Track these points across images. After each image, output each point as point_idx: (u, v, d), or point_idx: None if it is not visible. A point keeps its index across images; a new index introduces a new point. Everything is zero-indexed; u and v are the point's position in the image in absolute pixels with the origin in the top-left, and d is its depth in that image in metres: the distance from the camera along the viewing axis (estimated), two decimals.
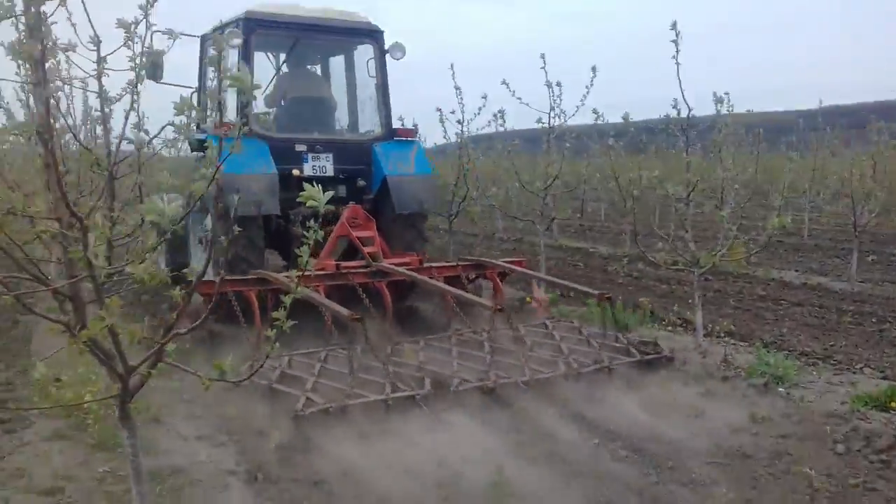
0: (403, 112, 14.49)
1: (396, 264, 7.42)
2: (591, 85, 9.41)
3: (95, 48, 4.98)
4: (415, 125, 10.60)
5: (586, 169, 13.79)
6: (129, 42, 4.82)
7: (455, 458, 4.61)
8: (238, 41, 7.51)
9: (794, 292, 10.40)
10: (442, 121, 11.40)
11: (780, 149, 15.50)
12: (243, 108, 2.42)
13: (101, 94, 5.06)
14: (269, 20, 8.13)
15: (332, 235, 7.59)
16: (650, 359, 6.60)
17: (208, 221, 7.86)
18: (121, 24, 4.76)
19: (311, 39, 8.83)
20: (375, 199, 8.52)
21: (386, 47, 8.56)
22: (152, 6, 2.80)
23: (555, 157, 9.53)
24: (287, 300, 2.54)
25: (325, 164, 8.27)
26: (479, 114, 10.93)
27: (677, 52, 6.88)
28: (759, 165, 11.60)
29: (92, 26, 4.89)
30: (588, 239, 17.13)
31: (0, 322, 8.52)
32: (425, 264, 7.76)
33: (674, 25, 6.78)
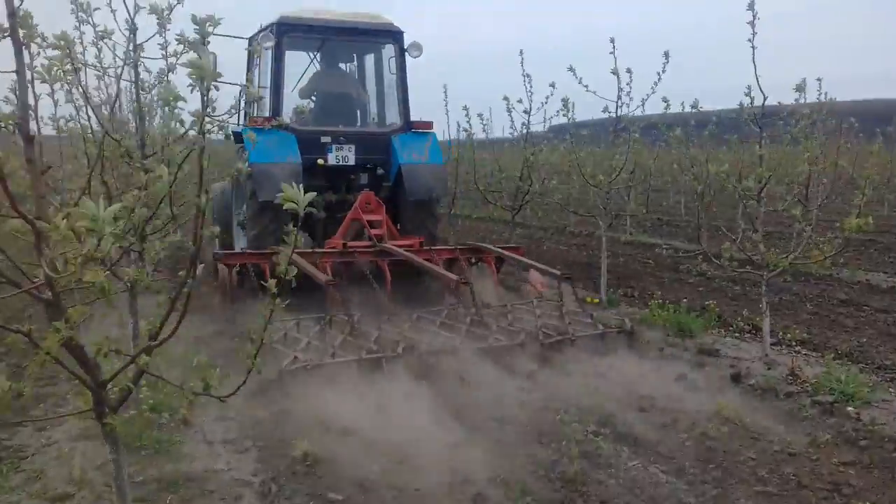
0: (474, 100, 14.17)
1: (399, 246, 7.93)
2: (664, 71, 8.90)
3: (131, 35, 4.98)
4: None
5: (654, 161, 13.09)
6: (162, 30, 4.77)
7: (398, 409, 5.20)
8: (270, 43, 8.36)
9: (879, 297, 9.58)
10: (509, 110, 11.08)
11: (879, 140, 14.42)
12: (208, 99, 2.27)
13: (138, 82, 5.05)
14: (298, 24, 8.82)
15: (346, 218, 8.34)
16: (607, 332, 7.06)
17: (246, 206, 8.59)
18: (153, 9, 4.69)
19: (338, 41, 9.46)
20: (394, 185, 9.09)
21: (414, 45, 9.07)
22: None
23: (620, 149, 9.02)
24: (280, 270, 2.49)
25: (347, 154, 8.82)
26: (546, 103, 10.53)
27: (753, 34, 6.39)
28: (852, 158, 10.78)
29: (128, 12, 4.86)
30: (664, 234, 16.41)
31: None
32: (427, 247, 8.30)
33: (751, 5, 6.28)
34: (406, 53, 9.13)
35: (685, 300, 9.03)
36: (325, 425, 5.05)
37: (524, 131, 11.01)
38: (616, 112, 8.91)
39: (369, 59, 10.02)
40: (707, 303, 8.61)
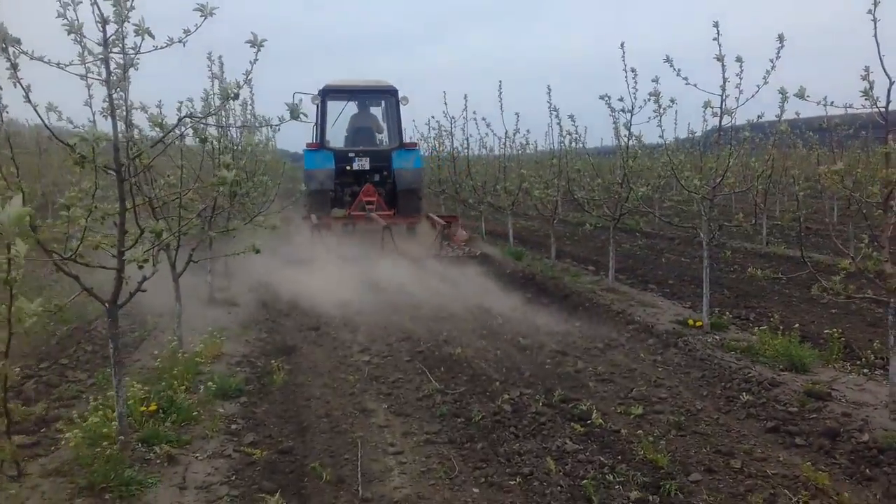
0: (578, 108, 13.10)
1: (380, 215, 12.92)
2: (778, 57, 7.54)
3: (101, 29, 4.54)
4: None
5: (756, 163, 11.42)
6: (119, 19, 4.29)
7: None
8: (318, 100, 14.08)
9: None
10: (612, 110, 9.99)
11: None
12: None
13: (109, 80, 4.59)
14: (335, 89, 14.55)
15: (357, 199, 13.77)
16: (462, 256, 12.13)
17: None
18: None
19: (359, 96, 15.17)
20: (392, 181, 14.31)
21: (402, 97, 14.45)
22: None
23: (725, 151, 7.72)
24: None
25: (364, 163, 14.25)
26: (649, 101, 9.33)
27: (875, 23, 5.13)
28: None
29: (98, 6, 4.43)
30: (809, 246, 14.55)
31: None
32: (397, 216, 13.59)
33: None
34: (400, 102, 14.47)
35: (797, 325, 7.61)
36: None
37: (626, 133, 9.84)
38: (721, 106, 7.65)
39: (378, 106, 15.65)
40: (828, 330, 7.14)
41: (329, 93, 14.26)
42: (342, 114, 15.10)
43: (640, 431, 5.16)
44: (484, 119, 16.99)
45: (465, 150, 19.30)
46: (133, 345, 7.79)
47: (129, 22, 4.18)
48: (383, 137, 15.23)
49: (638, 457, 4.74)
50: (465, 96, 18.10)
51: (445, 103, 19.24)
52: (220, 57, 8.56)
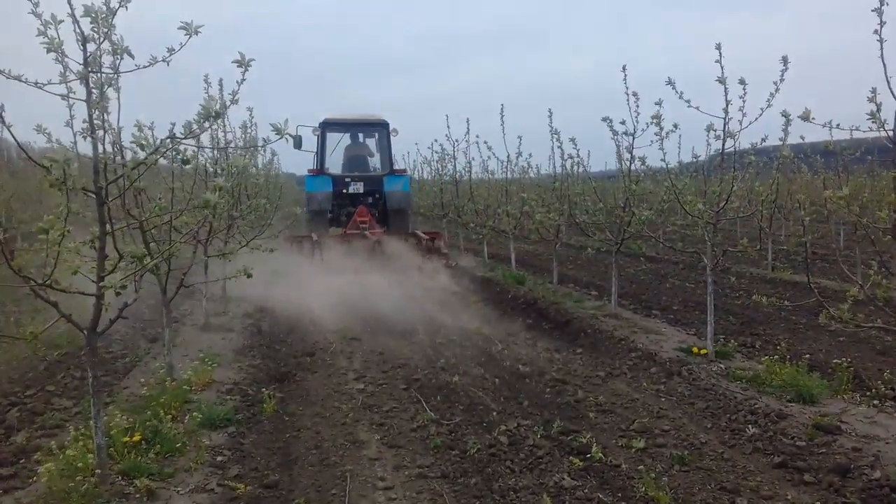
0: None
1: (371, 233, 13.74)
2: (781, 80, 7.39)
3: (82, 48, 4.41)
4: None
5: (761, 188, 11.22)
6: (98, 36, 4.16)
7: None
8: (318, 132, 15.55)
9: None
10: (614, 133, 9.86)
11: None
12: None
13: (91, 99, 4.46)
14: (333, 122, 15.99)
15: (352, 219, 14.63)
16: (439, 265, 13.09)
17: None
18: (87, 11, 4.09)
19: (355, 128, 16.83)
20: (383, 203, 15.71)
21: (392, 129, 15.98)
22: None
23: (729, 176, 7.56)
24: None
25: (359, 187, 15.58)
26: (652, 124, 9.17)
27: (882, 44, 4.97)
28: None
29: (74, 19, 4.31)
30: (816, 272, 14.33)
31: (104, 352, 8.36)
32: (387, 234, 14.24)
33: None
34: (390, 134, 15.94)
35: (805, 354, 7.40)
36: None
37: (628, 157, 9.69)
38: (723, 128, 7.49)
39: (371, 137, 17.05)
40: (837, 360, 6.91)
41: (328, 125, 15.83)
42: (339, 144, 16.74)
43: (641, 466, 4.94)
44: (486, 142, 16.91)
45: (468, 174, 19.19)
46: (123, 371, 7.61)
47: (108, 41, 4.06)
48: (376, 164, 16.77)
49: (639, 494, 4.52)
50: (468, 120, 18.02)
51: (448, 126, 19.15)
52: (220, 80, 8.47)
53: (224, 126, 9.37)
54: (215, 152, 8.30)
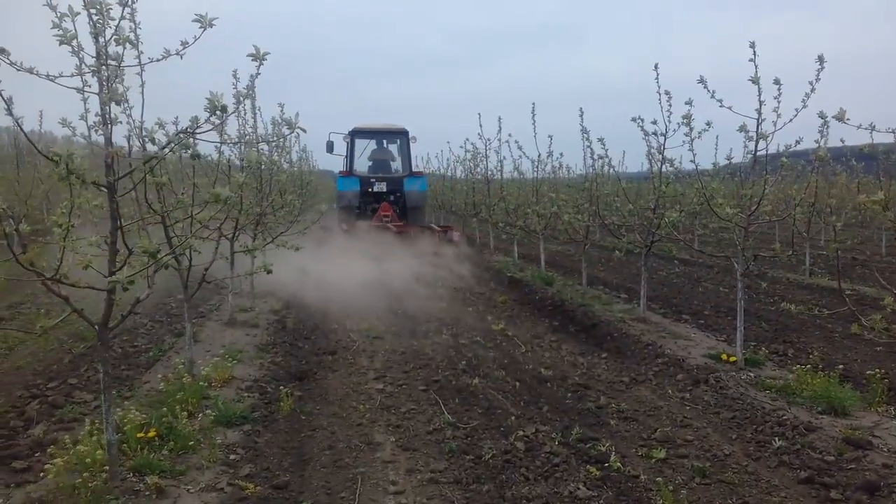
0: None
1: (395, 225, 16.56)
2: (817, 80, 7.15)
3: (95, 40, 4.39)
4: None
5: (796, 190, 10.86)
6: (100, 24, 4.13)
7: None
8: (348, 139, 18.37)
9: None
10: (645, 133, 9.67)
11: None
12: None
13: (103, 92, 4.43)
14: (360, 130, 18.63)
15: (376, 213, 17.07)
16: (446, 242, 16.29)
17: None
18: (89, 3, 4.05)
19: (379, 136, 19.27)
20: (403, 200, 18.10)
21: (411, 136, 18.70)
22: None
23: (763, 179, 7.33)
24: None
25: (382, 186, 18.11)
26: (686, 124, 8.96)
27: None
28: None
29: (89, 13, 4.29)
30: (855, 278, 13.94)
31: (129, 346, 8.40)
32: (405, 225, 17.30)
33: None
34: (410, 141, 18.65)
35: (839, 364, 7.15)
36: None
37: (659, 158, 9.48)
38: (756, 129, 7.27)
39: (394, 144, 19.51)
40: (871, 371, 6.64)
41: (356, 133, 18.62)
42: (366, 149, 19.41)
43: (660, 478, 4.78)
44: (517, 142, 16.74)
45: (499, 173, 19.06)
46: (146, 365, 7.62)
47: (118, 34, 4.02)
48: (397, 167, 19.31)
49: None
50: (500, 118, 17.90)
51: (480, 125, 19.04)
52: (234, 71, 8.41)
53: (248, 121, 9.33)
54: (242, 147, 8.27)
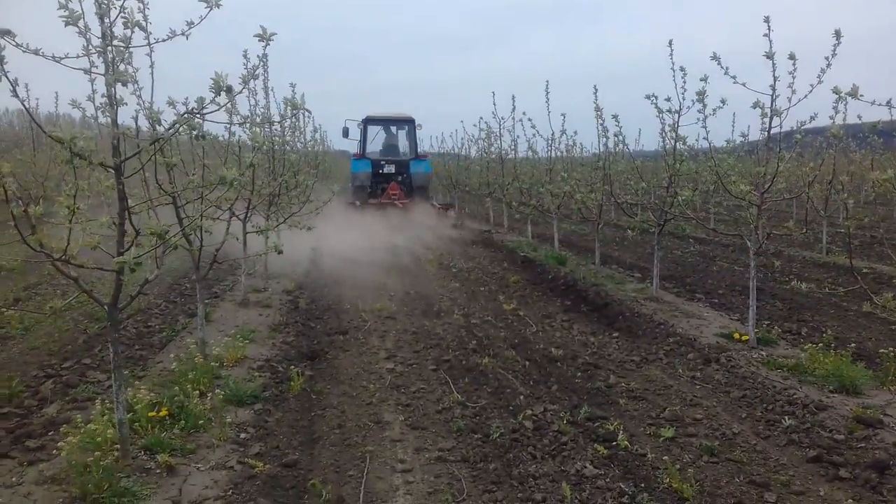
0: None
1: (400, 202, 19.00)
2: (833, 55, 7.04)
3: (101, 21, 4.39)
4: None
5: (810, 167, 10.68)
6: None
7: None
8: (361, 126, 20.69)
9: None
10: (659, 111, 9.57)
11: None
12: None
13: (109, 73, 4.44)
14: (373, 118, 20.89)
15: (385, 192, 19.47)
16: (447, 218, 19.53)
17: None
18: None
19: (389, 123, 21.44)
20: (409, 181, 20.11)
21: (417, 124, 20.99)
22: None
23: (778, 156, 7.24)
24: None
25: (391, 168, 20.29)
26: (700, 100, 8.86)
27: None
28: None
29: None
30: (873, 256, 13.80)
31: (143, 327, 8.47)
32: (410, 203, 19.43)
33: None
34: (416, 127, 20.89)
35: (852, 342, 7.09)
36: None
37: (673, 135, 9.39)
38: (771, 105, 7.18)
39: (402, 130, 21.72)
40: (884, 350, 6.58)
41: (369, 121, 21.17)
42: (377, 135, 21.89)
43: (667, 456, 4.78)
44: (530, 120, 16.61)
45: (513, 153, 18.98)
46: (159, 345, 7.69)
47: (127, 14, 4.02)
48: (405, 151, 21.66)
49: (662, 485, 4.37)
50: (513, 97, 17.78)
51: (494, 104, 18.91)
52: (244, 51, 8.37)
53: (259, 102, 9.32)
54: (248, 127, 8.26)
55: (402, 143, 21.83)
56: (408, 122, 21.26)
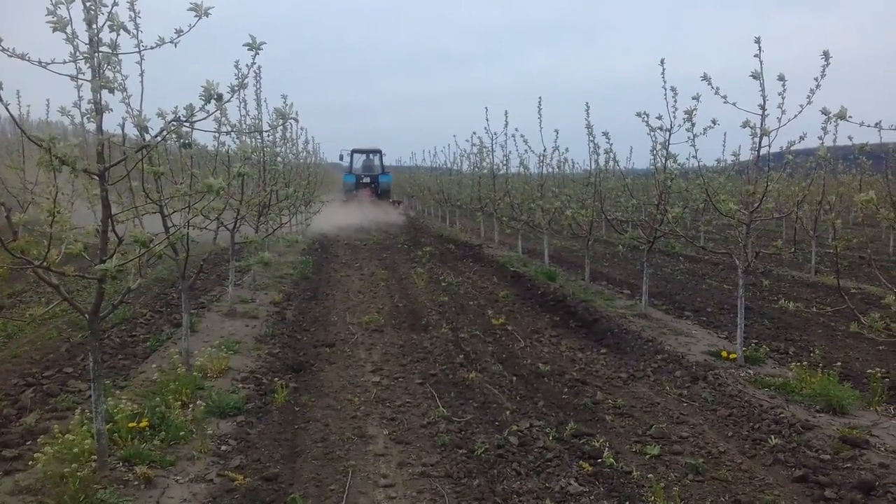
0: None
1: (370, 201, 35.45)
2: (822, 76, 7.07)
3: (88, 28, 4.36)
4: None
5: (797, 188, 10.74)
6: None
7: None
8: (348, 155, 38.63)
9: None
10: (650, 129, 9.58)
11: None
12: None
13: (95, 80, 4.40)
14: (357, 150, 38.97)
15: (363, 193, 36.39)
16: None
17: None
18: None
19: (366, 153, 39.46)
20: (378, 190, 36.81)
21: (383, 153, 39.03)
22: None
23: (767, 175, 7.26)
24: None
25: (367, 180, 37.02)
26: (688, 119, 8.89)
27: None
28: None
29: None
30: (861, 277, 13.84)
31: (127, 336, 8.40)
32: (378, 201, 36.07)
33: None
34: (382, 155, 39.04)
35: (839, 362, 7.09)
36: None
37: (664, 154, 9.41)
38: (760, 125, 7.20)
39: (375, 156, 38.83)
40: (871, 370, 6.57)
41: (354, 151, 37.07)
42: (359, 160, 38.09)
43: (652, 474, 4.74)
44: (522, 136, 16.64)
45: (504, 168, 19.03)
46: (143, 355, 7.61)
47: (114, 20, 3.99)
48: (377, 169, 36.77)
49: (647, 503, 4.33)
50: (506, 112, 17.83)
51: (487, 119, 18.97)
52: (236, 62, 8.42)
53: (249, 112, 9.34)
54: (234, 137, 8.26)
55: (375, 165, 37.63)
56: (378, 152, 37.87)
